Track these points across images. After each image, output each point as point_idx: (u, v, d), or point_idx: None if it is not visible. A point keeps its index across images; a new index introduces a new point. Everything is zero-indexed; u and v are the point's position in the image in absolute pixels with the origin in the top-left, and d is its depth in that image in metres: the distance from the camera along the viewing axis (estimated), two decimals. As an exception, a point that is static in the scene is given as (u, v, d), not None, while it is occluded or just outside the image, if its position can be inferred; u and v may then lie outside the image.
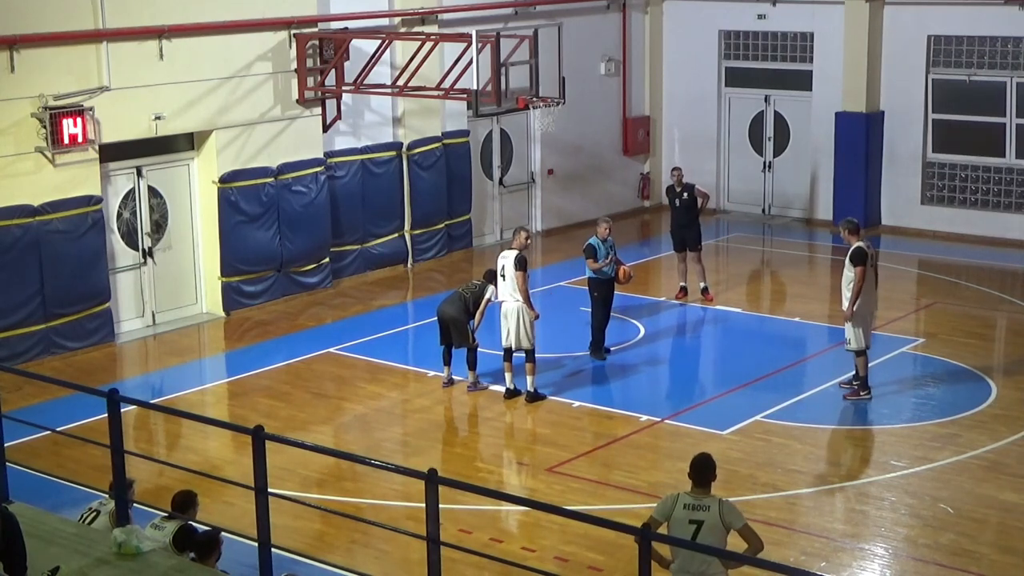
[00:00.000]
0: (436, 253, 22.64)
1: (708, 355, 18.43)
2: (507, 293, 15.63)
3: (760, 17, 25.49)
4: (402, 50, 21.16)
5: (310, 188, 20.23)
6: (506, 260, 15.68)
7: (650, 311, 19.45)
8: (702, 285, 19.76)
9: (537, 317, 15.66)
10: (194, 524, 9.32)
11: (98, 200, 17.79)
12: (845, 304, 15.21)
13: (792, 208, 25.80)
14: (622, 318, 18.61)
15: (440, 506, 7.74)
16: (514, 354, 15.74)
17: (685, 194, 19.54)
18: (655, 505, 9.08)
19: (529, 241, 16.09)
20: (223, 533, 9.28)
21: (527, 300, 15.55)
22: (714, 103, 26.35)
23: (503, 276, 15.65)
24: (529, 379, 15.65)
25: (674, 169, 20.04)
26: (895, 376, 16.41)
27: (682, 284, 19.92)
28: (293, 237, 20.07)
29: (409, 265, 22.30)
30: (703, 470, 8.97)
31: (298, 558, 10.29)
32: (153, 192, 19.01)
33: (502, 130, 24.27)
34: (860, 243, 15.15)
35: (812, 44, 25.06)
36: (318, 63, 20.15)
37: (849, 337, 15.36)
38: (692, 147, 26.33)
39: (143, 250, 18.93)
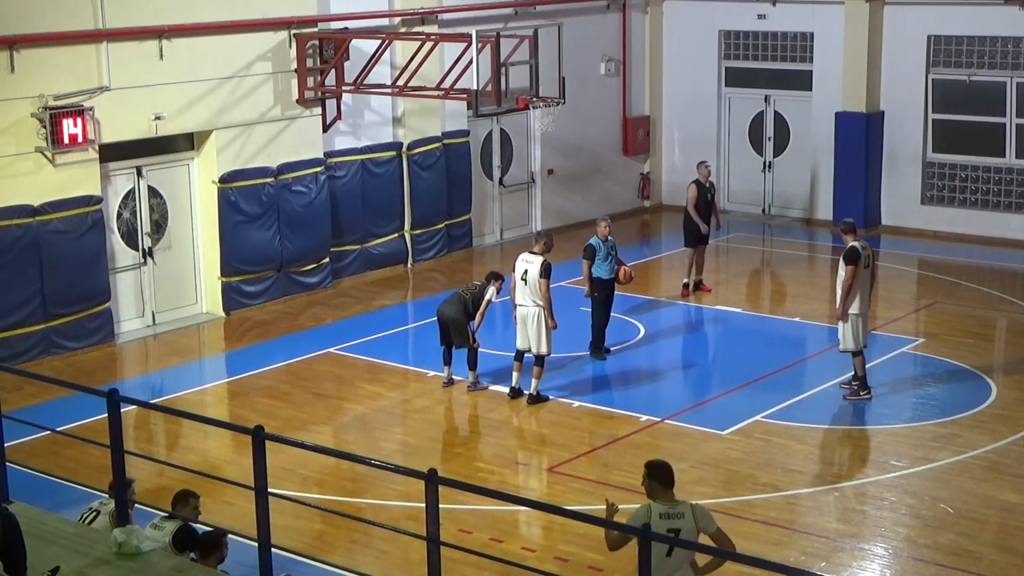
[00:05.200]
0: (436, 253, 22.64)
1: (708, 355, 18.43)
2: (526, 297, 15.51)
3: (760, 17, 25.49)
4: (402, 50, 21.16)
5: (310, 188, 20.23)
6: (530, 265, 15.45)
7: (650, 311, 19.46)
8: (698, 278, 20.00)
9: (555, 327, 15.58)
10: (194, 524, 9.33)
11: (98, 200, 17.79)
12: (839, 303, 15.30)
13: (792, 208, 25.80)
14: (622, 318, 18.61)
15: (440, 506, 7.74)
16: (525, 356, 15.70)
17: (712, 189, 20.02)
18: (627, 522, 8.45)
19: (551, 246, 15.89)
20: (228, 535, 9.30)
21: (549, 309, 15.44)
22: (714, 103, 26.35)
23: (524, 280, 15.53)
24: (534, 382, 15.62)
25: (703, 163, 20.12)
26: (895, 376, 16.42)
27: (686, 281, 20.02)
28: (293, 237, 20.07)
29: (409, 265, 22.30)
30: (670, 475, 8.58)
31: (298, 558, 10.30)
32: (153, 192, 19.01)
33: (502, 130, 24.27)
34: (855, 243, 15.23)
35: (812, 44, 25.06)
36: (318, 63, 20.14)
37: (841, 337, 15.40)
38: (692, 147, 26.31)
39: (143, 250, 18.93)
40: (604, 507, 8.72)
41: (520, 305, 15.57)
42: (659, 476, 8.58)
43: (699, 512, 8.50)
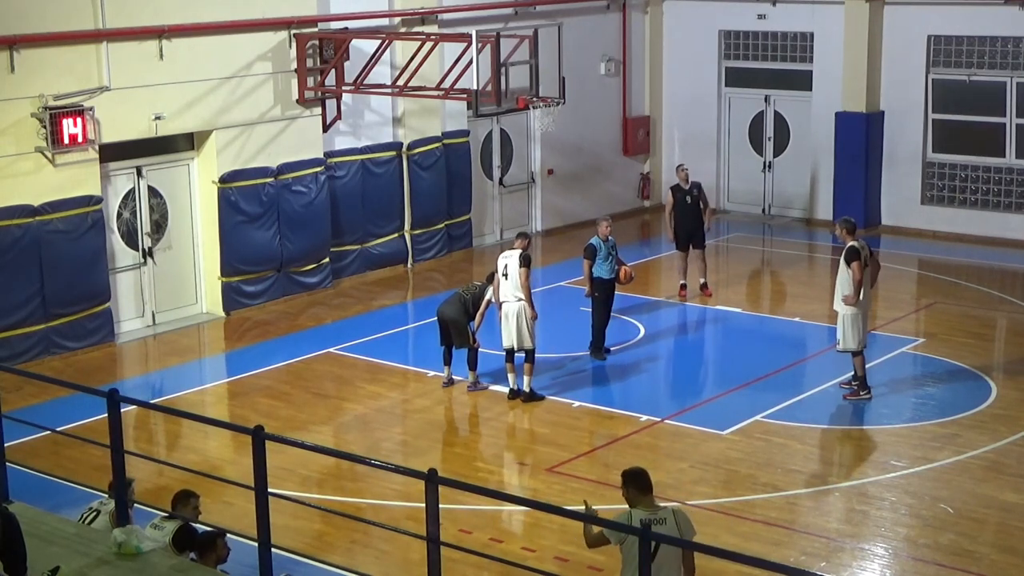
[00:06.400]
0: (436, 253, 22.64)
1: (708, 355, 18.43)
2: (509, 293, 15.58)
3: (760, 17, 25.49)
4: (402, 50, 21.16)
5: (310, 188, 20.23)
6: (509, 259, 15.59)
7: (650, 311, 19.46)
8: (702, 281, 19.90)
9: (535, 317, 15.63)
10: (194, 524, 9.32)
11: (98, 200, 17.79)
12: (837, 303, 15.28)
13: (792, 208, 25.80)
14: (622, 318, 18.61)
15: (440, 506, 7.73)
16: (516, 355, 15.72)
17: (695, 191, 19.65)
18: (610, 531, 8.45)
19: (530, 244, 16.09)
20: (227, 535, 9.29)
21: (529, 298, 15.50)
22: (714, 103, 26.35)
23: (505, 275, 15.59)
24: (527, 379, 15.64)
25: (680, 167, 20.03)
26: (895, 376, 16.42)
27: (683, 282, 20.00)
28: (293, 237, 20.07)
29: (409, 265, 22.30)
30: (645, 479, 8.54)
31: (298, 558, 10.30)
32: (153, 192, 19.01)
33: (502, 130, 24.27)
34: (854, 242, 15.21)
35: (812, 44, 25.06)
36: (318, 63, 20.15)
37: (840, 337, 15.38)
38: (692, 147, 26.32)
39: (143, 250, 18.93)
40: (600, 507, 8.73)
41: (504, 301, 15.60)
42: (636, 483, 8.55)
43: (681, 519, 8.46)
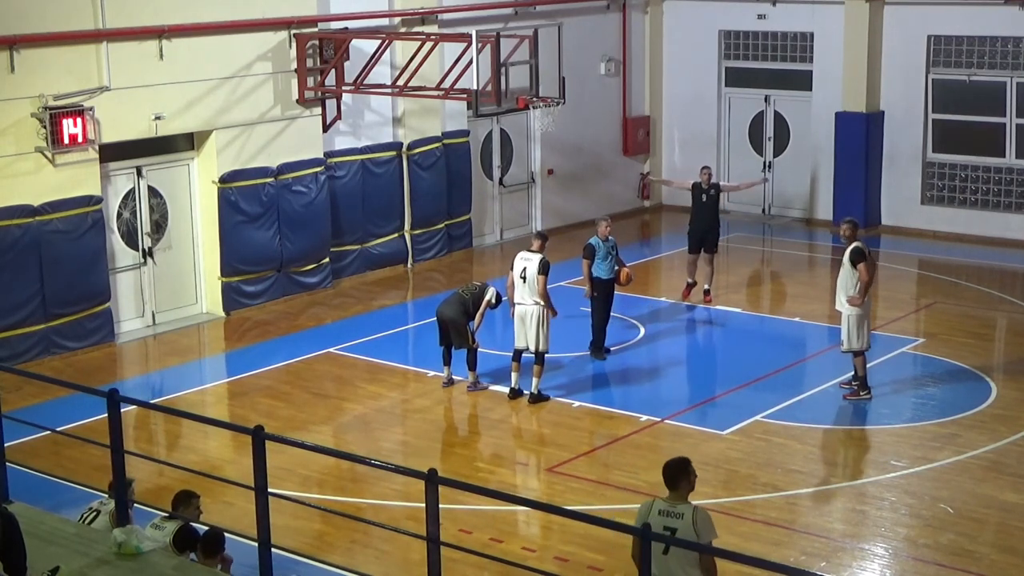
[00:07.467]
0: (436, 253, 22.64)
1: (708, 355, 18.43)
2: (524, 295, 15.54)
3: (760, 17, 25.50)
4: (402, 50, 21.16)
5: (310, 188, 20.23)
6: (528, 263, 15.49)
7: (650, 311, 19.45)
8: (706, 287, 19.76)
9: (555, 315, 15.60)
10: (194, 524, 9.33)
11: (98, 200, 17.79)
12: (839, 303, 15.28)
13: (792, 208, 25.80)
14: (622, 318, 18.61)
15: (440, 506, 7.74)
16: (523, 355, 15.71)
17: (712, 191, 19.57)
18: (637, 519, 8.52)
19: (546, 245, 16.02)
20: (225, 534, 9.29)
21: (548, 303, 15.48)
22: (714, 103, 26.35)
23: (523, 278, 15.54)
24: (535, 380, 15.62)
25: (704, 168, 19.93)
26: (895, 376, 16.42)
27: (689, 281, 19.84)
28: (293, 237, 20.07)
29: (409, 265, 22.30)
30: (676, 474, 8.61)
31: (298, 558, 10.30)
32: (153, 192, 19.01)
33: (502, 130, 24.27)
34: (857, 243, 15.20)
35: (812, 44, 25.06)
36: (318, 63, 20.15)
37: (844, 338, 15.36)
38: (692, 147, 26.32)
39: (143, 250, 18.93)
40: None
41: (518, 304, 15.58)
42: (664, 473, 8.66)
43: (700, 517, 8.44)
